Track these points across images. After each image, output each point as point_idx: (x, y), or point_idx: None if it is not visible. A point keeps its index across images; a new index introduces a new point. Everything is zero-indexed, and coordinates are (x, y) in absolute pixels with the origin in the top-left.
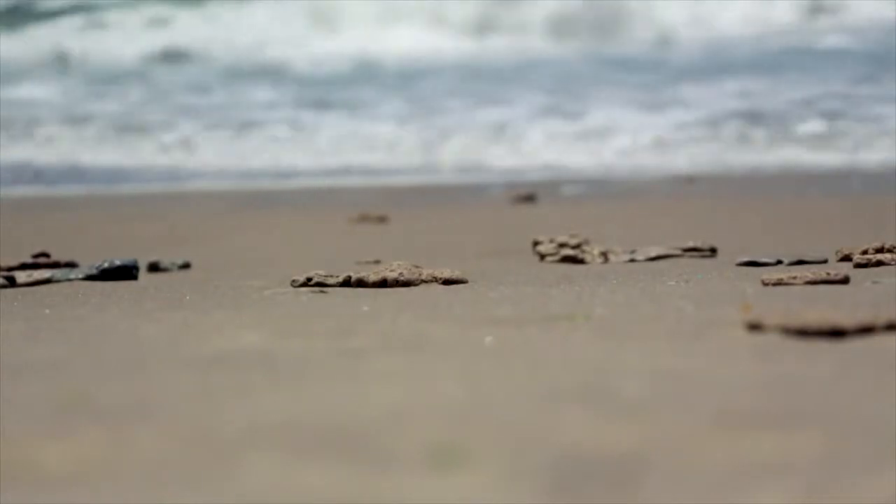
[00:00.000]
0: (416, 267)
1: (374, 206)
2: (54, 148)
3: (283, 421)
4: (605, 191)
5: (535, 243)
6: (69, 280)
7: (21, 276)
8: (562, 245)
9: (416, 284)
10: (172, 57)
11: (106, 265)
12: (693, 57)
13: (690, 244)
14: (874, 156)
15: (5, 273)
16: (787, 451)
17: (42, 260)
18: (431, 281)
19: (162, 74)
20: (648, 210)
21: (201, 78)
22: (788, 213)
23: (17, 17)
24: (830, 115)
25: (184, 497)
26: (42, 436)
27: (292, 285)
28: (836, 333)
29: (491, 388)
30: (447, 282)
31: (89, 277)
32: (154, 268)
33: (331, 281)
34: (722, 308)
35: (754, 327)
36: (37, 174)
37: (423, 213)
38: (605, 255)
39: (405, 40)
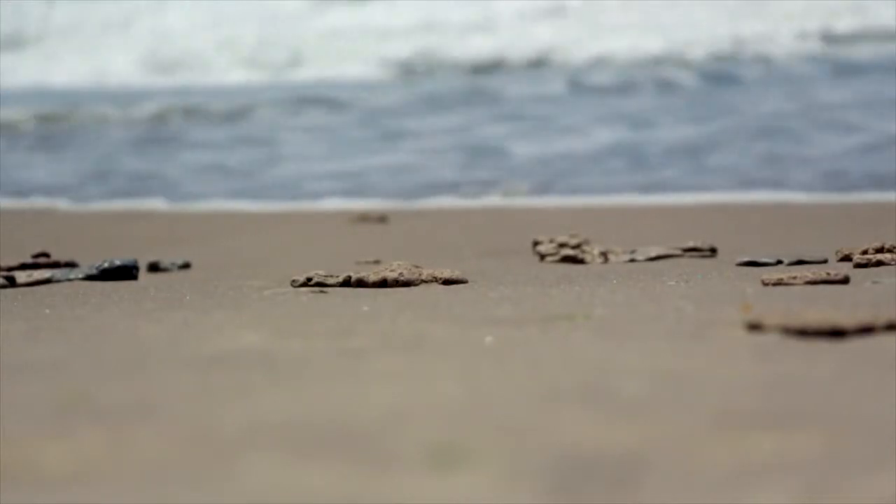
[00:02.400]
0: (416, 267)
1: (375, 206)
2: None
3: (283, 421)
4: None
5: (535, 243)
6: (69, 280)
7: (21, 276)
8: (562, 245)
9: (416, 284)
10: None
11: (106, 265)
12: None
13: (690, 244)
14: None
15: (5, 273)
16: (787, 451)
17: (42, 260)
18: (431, 281)
19: None
20: (649, 210)
21: None
22: (788, 214)
23: None
24: None
25: (184, 497)
26: (42, 436)
27: (292, 285)
28: (836, 333)
29: (491, 388)
30: (447, 282)
31: (89, 277)
32: (154, 268)
33: (331, 281)
34: (722, 308)
35: (754, 327)
36: None
37: (423, 213)
38: (605, 255)
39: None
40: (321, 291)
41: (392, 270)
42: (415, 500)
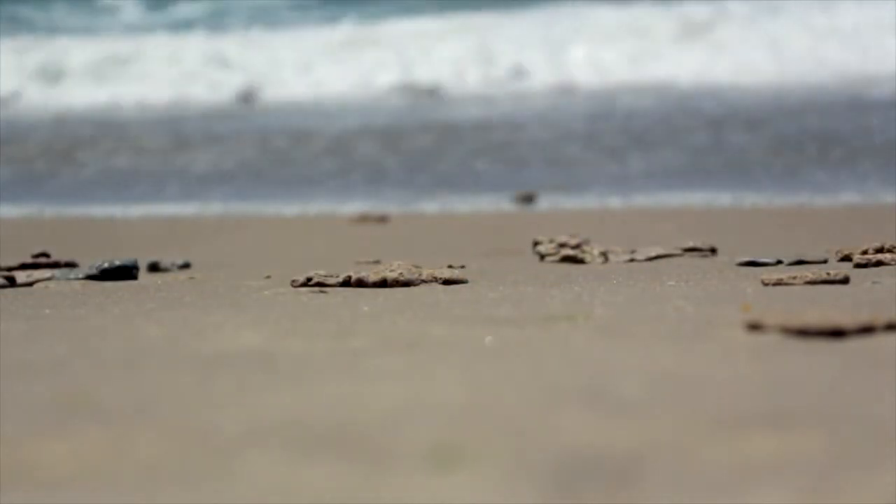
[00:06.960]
0: (416, 267)
1: (375, 205)
2: None
3: (283, 421)
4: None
5: (535, 243)
6: (69, 280)
7: (21, 276)
8: (562, 245)
9: (416, 284)
10: None
11: (106, 265)
12: None
13: (690, 244)
14: None
15: (5, 273)
16: (787, 451)
17: (42, 260)
18: (431, 281)
19: None
20: (648, 210)
21: None
22: (788, 214)
23: None
24: None
25: (184, 497)
26: (42, 436)
27: (292, 285)
28: (836, 333)
29: (491, 388)
30: (447, 282)
31: (89, 277)
32: (154, 268)
33: (331, 281)
34: (722, 308)
35: (754, 327)
36: None
37: (423, 213)
38: (605, 255)
39: None
40: (321, 291)
41: (392, 270)
42: (415, 500)
